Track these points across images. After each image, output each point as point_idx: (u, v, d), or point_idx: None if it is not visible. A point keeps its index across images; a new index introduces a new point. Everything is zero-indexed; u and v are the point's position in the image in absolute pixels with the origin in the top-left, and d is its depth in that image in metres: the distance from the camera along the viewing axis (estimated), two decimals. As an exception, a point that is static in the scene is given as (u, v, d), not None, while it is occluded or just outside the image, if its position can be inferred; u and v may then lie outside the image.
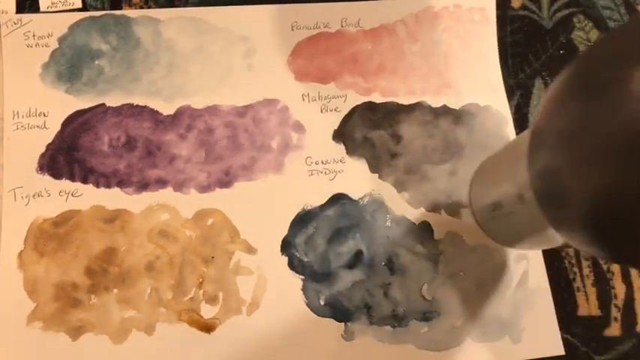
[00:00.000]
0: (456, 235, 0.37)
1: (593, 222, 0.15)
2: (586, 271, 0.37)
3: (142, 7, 0.40)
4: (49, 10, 0.39)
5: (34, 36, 0.38)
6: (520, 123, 0.40)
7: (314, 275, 0.35)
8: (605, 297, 0.37)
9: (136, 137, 0.37)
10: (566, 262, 0.37)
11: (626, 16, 0.43)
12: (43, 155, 0.36)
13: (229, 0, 0.41)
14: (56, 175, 0.36)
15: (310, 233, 0.36)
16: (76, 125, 0.37)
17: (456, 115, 0.40)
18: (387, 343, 0.35)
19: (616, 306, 0.37)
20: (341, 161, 0.38)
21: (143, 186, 0.36)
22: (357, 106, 0.39)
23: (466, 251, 0.37)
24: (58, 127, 0.37)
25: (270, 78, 0.39)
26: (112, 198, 0.36)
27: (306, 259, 0.36)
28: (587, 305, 0.36)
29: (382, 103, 0.39)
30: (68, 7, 0.39)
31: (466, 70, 0.41)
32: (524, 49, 0.42)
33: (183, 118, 0.38)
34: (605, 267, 0.37)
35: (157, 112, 0.38)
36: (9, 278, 0.34)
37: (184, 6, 0.40)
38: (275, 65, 0.40)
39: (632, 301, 0.37)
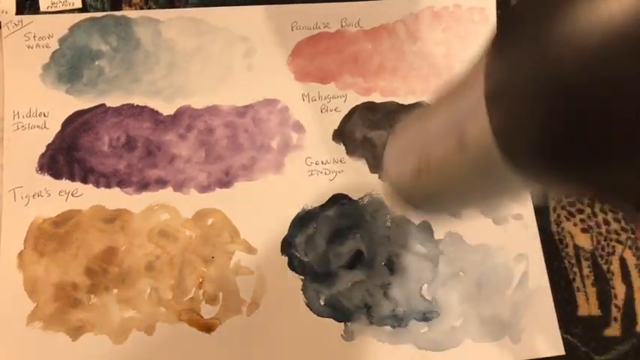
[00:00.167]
0: (456, 235, 0.37)
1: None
2: (586, 271, 0.37)
3: (142, 8, 0.40)
4: (49, 10, 0.39)
5: (34, 37, 0.38)
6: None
7: (314, 275, 0.35)
8: (605, 297, 0.37)
9: (136, 137, 0.37)
10: (566, 262, 0.37)
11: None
12: (43, 155, 0.36)
13: (229, 0, 0.41)
14: (56, 175, 0.36)
15: (310, 233, 0.36)
16: (76, 125, 0.37)
17: (455, 115, 0.40)
18: (386, 343, 0.35)
19: (616, 306, 0.37)
20: (341, 161, 0.38)
21: (143, 186, 0.36)
22: (357, 106, 0.39)
23: (466, 251, 0.37)
24: (58, 128, 0.37)
25: (270, 78, 0.39)
26: (112, 198, 0.36)
27: (306, 260, 0.36)
28: (587, 305, 0.36)
29: (382, 103, 0.39)
30: (68, 7, 0.39)
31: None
32: (524, 49, 0.42)
33: (183, 118, 0.38)
34: (605, 267, 0.37)
35: (157, 112, 0.38)
36: (9, 278, 0.34)
37: (184, 6, 0.40)
38: (275, 65, 0.40)
39: (632, 301, 0.37)
